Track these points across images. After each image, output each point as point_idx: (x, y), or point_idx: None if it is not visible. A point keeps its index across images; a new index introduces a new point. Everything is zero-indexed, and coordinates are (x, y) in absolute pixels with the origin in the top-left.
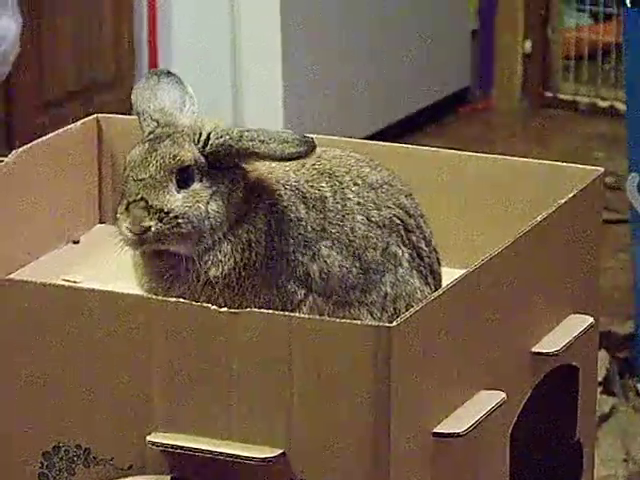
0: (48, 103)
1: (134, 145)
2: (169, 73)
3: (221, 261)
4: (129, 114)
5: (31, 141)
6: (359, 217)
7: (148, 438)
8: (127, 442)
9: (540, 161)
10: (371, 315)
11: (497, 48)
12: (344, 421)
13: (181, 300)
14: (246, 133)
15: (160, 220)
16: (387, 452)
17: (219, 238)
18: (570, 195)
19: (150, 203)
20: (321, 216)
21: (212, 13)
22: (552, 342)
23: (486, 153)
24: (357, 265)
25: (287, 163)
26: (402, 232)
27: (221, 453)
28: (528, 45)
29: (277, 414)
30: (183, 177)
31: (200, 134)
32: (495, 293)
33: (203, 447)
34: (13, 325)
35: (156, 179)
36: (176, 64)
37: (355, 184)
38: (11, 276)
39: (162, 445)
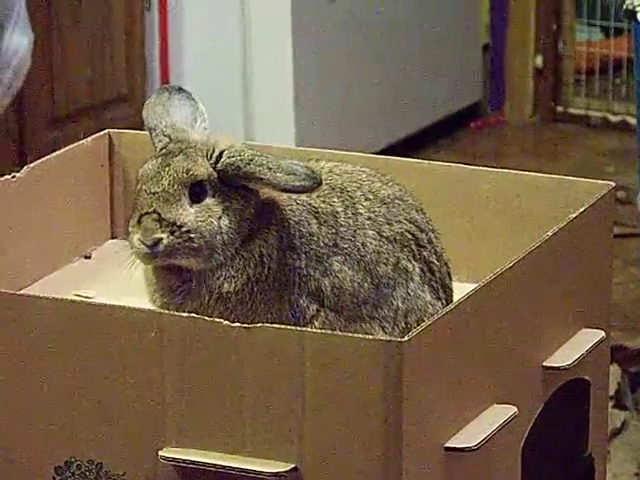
0: (60, 118)
1: (146, 160)
2: (180, 89)
3: (234, 277)
4: (141, 129)
5: (43, 156)
6: (370, 232)
7: (160, 453)
8: (139, 457)
9: (551, 175)
10: (383, 330)
11: (508, 63)
12: (356, 436)
13: (193, 315)
14: (257, 158)
15: (172, 233)
16: (399, 467)
17: (231, 254)
18: (581, 209)
19: (163, 216)
20: (333, 231)
21: (224, 29)
22: (563, 356)
23: (497, 167)
24: (368, 280)
25: None
26: (413, 247)
27: (233, 468)
28: (539, 60)
29: (289, 429)
30: (196, 192)
31: (213, 150)
32: (506, 307)
33: (215, 462)
34: (25, 340)
35: (169, 192)
36: (187, 80)
37: (367, 199)
38: (23, 291)
39: (174, 460)
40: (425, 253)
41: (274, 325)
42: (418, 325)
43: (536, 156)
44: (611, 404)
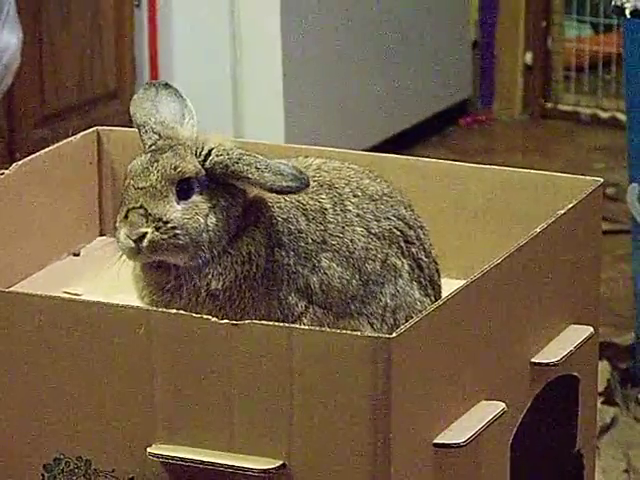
0: (49, 116)
1: (135, 157)
2: (167, 85)
3: (222, 274)
4: (129, 127)
5: (32, 154)
6: (359, 229)
7: (149, 450)
8: (128, 454)
9: (540, 172)
10: (371, 326)
11: (498, 59)
12: (344, 432)
13: (182, 312)
14: (245, 157)
15: (157, 229)
16: (387, 463)
17: (218, 251)
18: (570, 206)
19: (149, 211)
20: (321, 228)
21: (213, 27)
22: (552, 352)
23: (487, 164)
24: (357, 277)
25: None
26: (402, 243)
27: (222, 464)
28: (529, 56)
29: (277, 425)
30: (183, 188)
31: (202, 148)
32: (495, 304)
33: (204, 459)
34: (13, 337)
35: (157, 188)
36: (176, 77)
37: (355, 196)
38: (12, 288)
39: (163, 457)
40: (414, 250)
41: (262, 322)
42: (406, 322)
43: (526, 153)
44: (601, 400)
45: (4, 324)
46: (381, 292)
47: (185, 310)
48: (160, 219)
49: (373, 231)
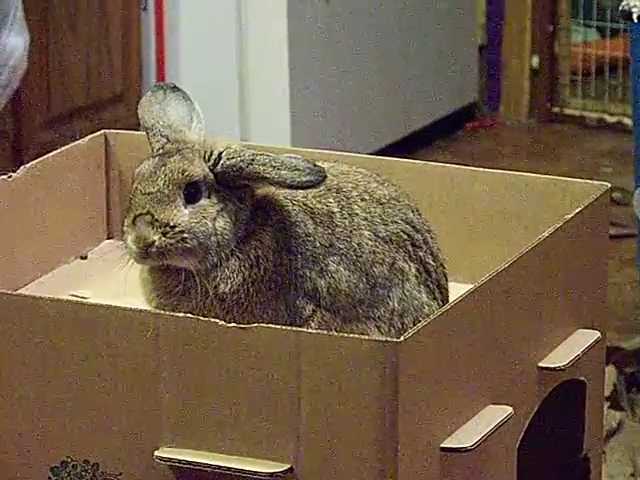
0: (55, 119)
1: (142, 160)
2: (175, 87)
3: (229, 277)
4: (136, 130)
5: (39, 157)
6: (366, 232)
7: (156, 453)
8: (135, 457)
9: (547, 176)
10: (379, 330)
11: (504, 63)
12: (351, 436)
13: (189, 315)
14: (258, 157)
15: (164, 234)
16: (395, 467)
17: (226, 255)
18: (577, 210)
19: (156, 217)
20: (329, 231)
21: (219, 30)
22: (559, 357)
23: (493, 168)
24: (364, 280)
25: None
26: (409, 247)
27: (229, 468)
28: (535, 61)
29: (285, 429)
30: (191, 192)
31: (212, 152)
32: (502, 308)
33: (211, 462)
34: (21, 340)
35: (164, 193)
36: (183, 80)
37: (362, 199)
38: (19, 291)
39: (170, 460)
40: (421, 253)
41: (270, 325)
42: (414, 325)
43: (532, 157)
44: (607, 405)
45: (12, 327)
46: (389, 296)
47: (193, 313)
48: (167, 224)
49: (380, 235)
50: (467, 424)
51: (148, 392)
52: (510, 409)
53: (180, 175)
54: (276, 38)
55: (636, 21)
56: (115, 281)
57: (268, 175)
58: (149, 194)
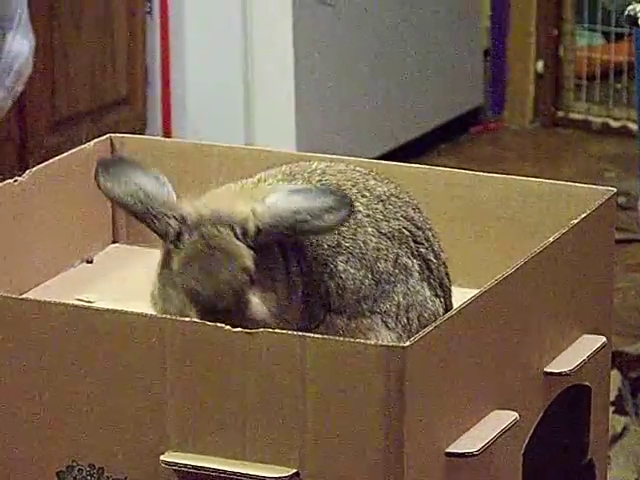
0: (61, 122)
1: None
2: (122, 159)
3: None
4: (142, 133)
5: (44, 160)
6: (370, 229)
7: (162, 458)
8: (141, 461)
9: (552, 181)
10: (386, 325)
11: (509, 68)
12: (357, 441)
13: (195, 320)
14: (297, 217)
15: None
16: (400, 472)
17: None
18: (582, 216)
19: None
20: (336, 231)
21: (224, 34)
22: (564, 362)
23: (498, 173)
24: (369, 276)
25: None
26: (411, 244)
27: (234, 473)
28: (540, 65)
29: (291, 434)
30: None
31: (243, 227)
32: (508, 313)
33: (216, 467)
34: (26, 344)
35: (230, 294)
36: (188, 84)
37: (363, 196)
38: (25, 295)
39: (175, 465)
40: (422, 250)
41: (276, 330)
42: (419, 320)
43: (536, 161)
44: (611, 410)
45: (17, 331)
46: (393, 291)
47: None
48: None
49: (383, 231)
50: (472, 429)
51: (154, 396)
52: (515, 414)
53: (240, 283)
54: (281, 42)
55: None
56: (121, 285)
57: (315, 229)
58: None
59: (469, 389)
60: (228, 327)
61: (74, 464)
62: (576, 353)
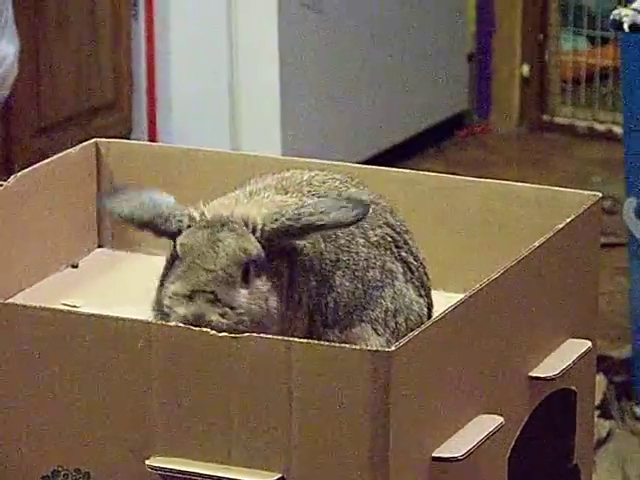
0: (46, 127)
1: (190, 233)
2: (122, 187)
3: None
4: (127, 138)
5: (30, 165)
6: (360, 240)
7: (147, 462)
8: (126, 466)
9: (538, 186)
10: (375, 332)
11: (494, 72)
12: (343, 446)
13: (180, 325)
14: (302, 210)
15: (223, 315)
16: (386, 476)
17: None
18: (568, 220)
19: (219, 297)
20: (335, 245)
21: (210, 38)
22: (550, 366)
23: (483, 176)
24: (360, 287)
25: (285, 196)
26: (394, 249)
27: (220, 477)
28: (526, 69)
29: (276, 439)
30: (247, 270)
31: (254, 223)
32: (493, 318)
33: (202, 471)
34: (11, 349)
35: (226, 272)
36: (173, 89)
37: None
38: (10, 300)
39: (161, 469)
40: (403, 253)
41: (261, 335)
42: (406, 323)
43: (522, 165)
44: (597, 414)
45: (2, 335)
46: (381, 296)
47: None
48: (229, 305)
49: (371, 240)
50: (458, 434)
51: (140, 401)
52: (501, 419)
53: (242, 254)
54: (267, 47)
55: (627, 30)
56: (106, 290)
57: (323, 222)
58: (211, 271)
59: (454, 393)
60: (214, 332)
61: (60, 469)
62: (561, 357)
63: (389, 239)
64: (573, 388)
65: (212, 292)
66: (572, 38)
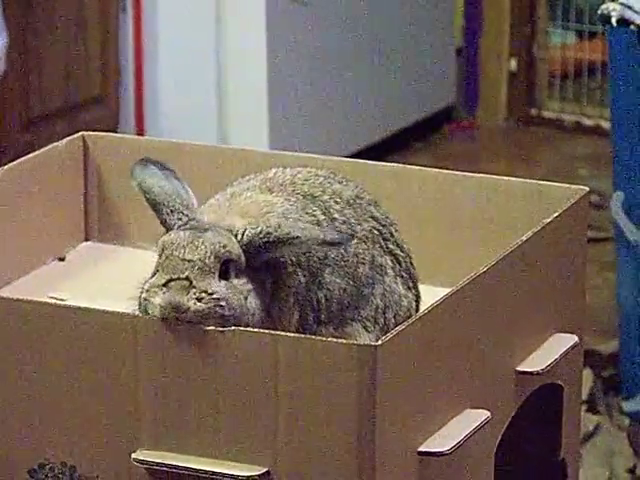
0: (33, 121)
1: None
2: (162, 165)
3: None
4: (114, 131)
5: (17, 159)
6: None
7: (133, 456)
8: (112, 460)
9: (525, 180)
10: (366, 330)
11: (482, 66)
12: (329, 440)
13: (167, 318)
14: (283, 223)
15: (199, 300)
16: (372, 470)
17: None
18: (555, 214)
19: (194, 283)
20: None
21: (198, 31)
22: (537, 361)
23: (471, 170)
24: (351, 283)
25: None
26: (381, 242)
27: (206, 471)
28: (513, 63)
29: (263, 432)
30: (226, 269)
31: (237, 230)
32: (480, 312)
33: (188, 465)
34: None
35: (204, 262)
36: (161, 82)
37: (335, 202)
38: None
39: (147, 463)
40: (391, 246)
41: (248, 329)
42: (395, 319)
43: (510, 159)
44: (584, 408)
45: None
46: (372, 294)
47: None
48: (204, 291)
49: (359, 235)
50: (444, 428)
51: (126, 394)
52: (488, 413)
53: (222, 249)
54: (254, 41)
55: (615, 25)
56: (93, 283)
57: (299, 234)
58: (189, 261)
59: (441, 388)
60: (200, 326)
61: (46, 462)
62: (548, 352)
63: (376, 232)
64: (560, 383)
65: (186, 278)
66: (560, 33)
